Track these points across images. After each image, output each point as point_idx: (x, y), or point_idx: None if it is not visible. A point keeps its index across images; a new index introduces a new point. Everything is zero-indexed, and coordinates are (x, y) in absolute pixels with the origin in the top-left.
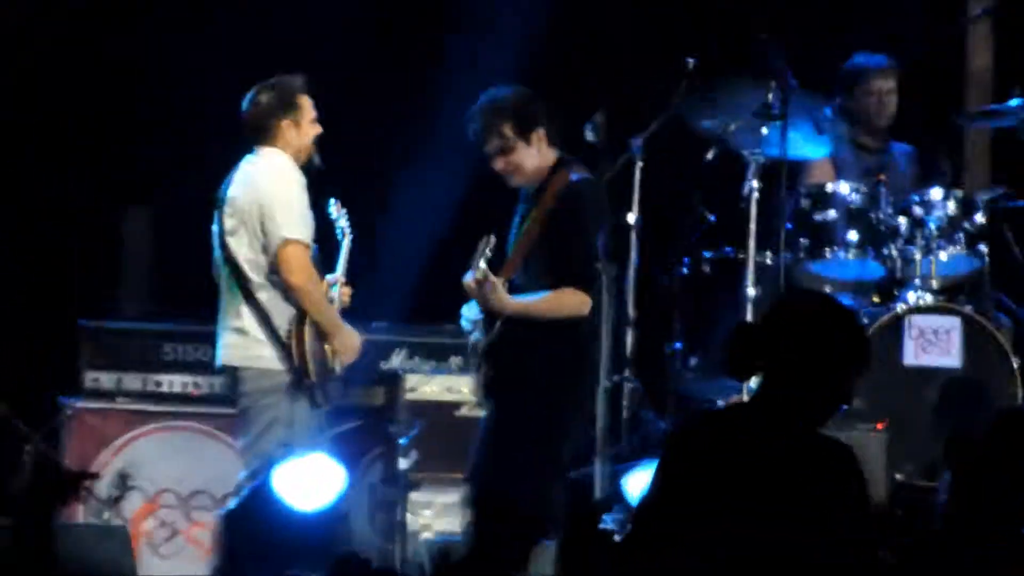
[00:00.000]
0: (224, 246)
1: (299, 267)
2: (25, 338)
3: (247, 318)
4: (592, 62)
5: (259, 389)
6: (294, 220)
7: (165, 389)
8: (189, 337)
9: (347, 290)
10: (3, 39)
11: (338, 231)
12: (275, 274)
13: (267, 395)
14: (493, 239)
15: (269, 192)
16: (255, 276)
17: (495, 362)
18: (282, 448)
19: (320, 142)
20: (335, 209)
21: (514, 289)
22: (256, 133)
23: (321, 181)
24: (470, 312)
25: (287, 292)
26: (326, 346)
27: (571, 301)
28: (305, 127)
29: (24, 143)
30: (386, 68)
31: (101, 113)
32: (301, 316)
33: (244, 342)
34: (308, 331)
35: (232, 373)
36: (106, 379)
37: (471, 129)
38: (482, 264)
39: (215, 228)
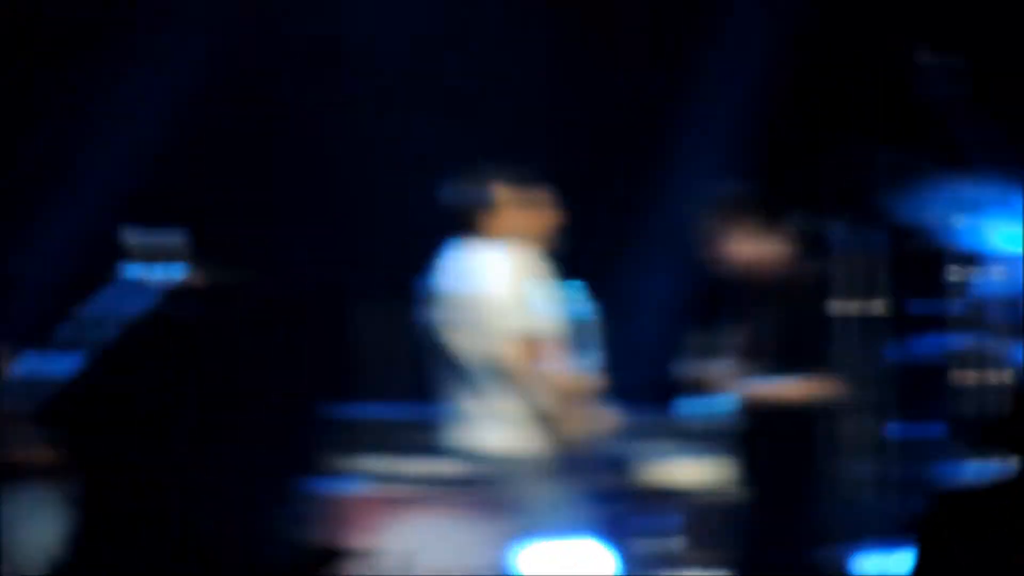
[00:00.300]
0: (444, 339)
1: (532, 352)
2: (278, 423)
3: (497, 402)
4: (797, 162)
5: (511, 475)
6: (517, 310)
7: (432, 472)
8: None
9: (599, 378)
10: None
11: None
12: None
13: (523, 478)
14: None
15: (488, 286)
16: (482, 362)
17: (750, 442)
18: (540, 531)
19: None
20: (575, 293)
21: None
22: (482, 215)
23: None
24: (698, 405)
25: (535, 377)
26: (576, 425)
27: (815, 387)
28: (537, 223)
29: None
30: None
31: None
32: (549, 398)
33: (483, 428)
34: (559, 411)
35: (486, 460)
36: (371, 464)
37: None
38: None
39: (432, 323)
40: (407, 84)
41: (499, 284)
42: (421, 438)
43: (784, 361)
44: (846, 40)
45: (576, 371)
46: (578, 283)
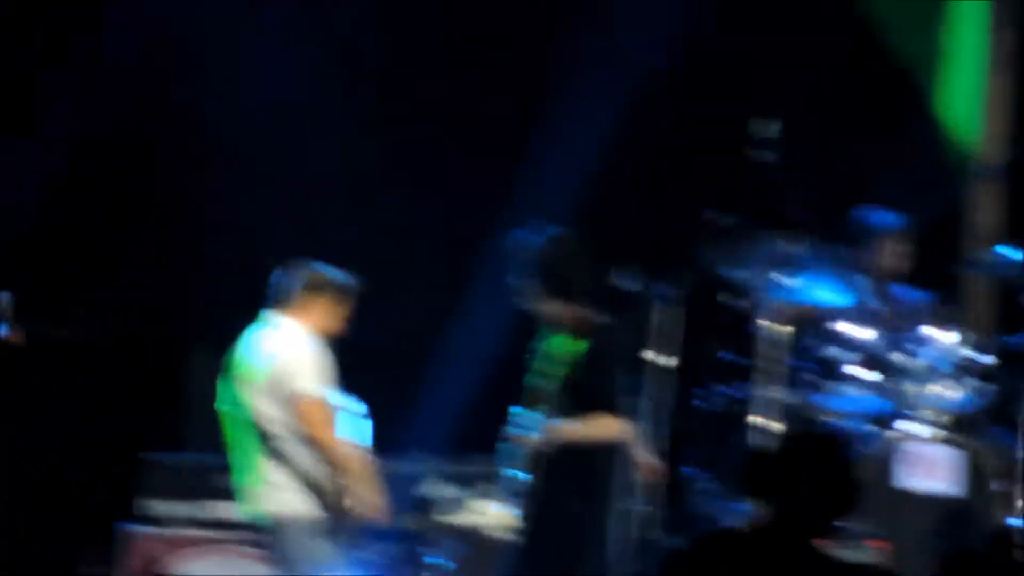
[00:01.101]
0: (249, 408)
1: (319, 418)
2: (90, 468)
3: (273, 468)
4: (625, 214)
5: (298, 534)
6: (314, 378)
7: (212, 516)
8: None
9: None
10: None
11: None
12: (299, 428)
13: (305, 539)
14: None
15: (294, 356)
16: (281, 431)
17: (534, 495)
18: None
19: None
20: (348, 403)
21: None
22: (284, 303)
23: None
24: (524, 421)
25: (311, 443)
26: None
27: (609, 428)
28: (338, 318)
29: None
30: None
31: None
32: (323, 463)
33: (277, 493)
34: (334, 479)
35: (269, 521)
36: (160, 506)
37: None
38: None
39: (225, 390)
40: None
41: (302, 352)
42: (226, 484)
43: (575, 404)
44: (681, 104)
45: (355, 447)
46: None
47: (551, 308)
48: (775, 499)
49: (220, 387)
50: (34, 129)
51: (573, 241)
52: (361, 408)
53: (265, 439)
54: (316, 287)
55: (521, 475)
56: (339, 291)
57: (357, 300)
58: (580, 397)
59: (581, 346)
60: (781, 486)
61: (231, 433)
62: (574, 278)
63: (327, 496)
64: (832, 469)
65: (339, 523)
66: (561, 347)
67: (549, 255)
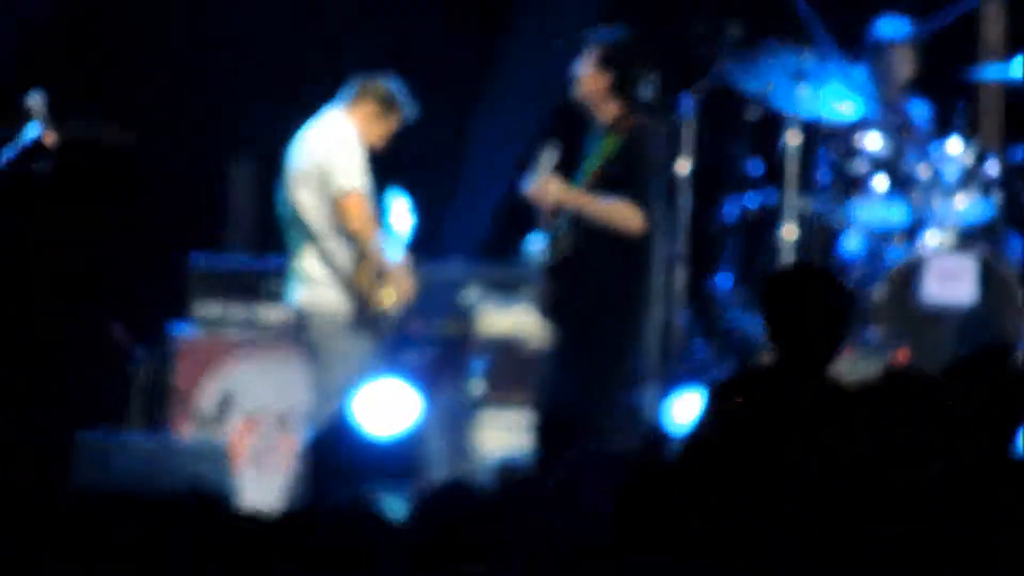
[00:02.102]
0: (292, 198)
1: (359, 213)
2: (141, 272)
3: (314, 264)
4: (644, 26)
5: (326, 328)
6: (355, 172)
7: (266, 318)
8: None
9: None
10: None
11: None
12: (337, 223)
13: (332, 334)
14: (556, 151)
15: (332, 150)
16: (319, 226)
17: (559, 283)
18: (351, 380)
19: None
20: (398, 200)
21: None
22: (352, 100)
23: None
24: (535, 240)
25: (348, 238)
26: (383, 287)
27: (627, 213)
28: (386, 125)
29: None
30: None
31: (214, 75)
32: (360, 259)
33: (312, 287)
34: (368, 272)
35: (303, 315)
36: (214, 310)
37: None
38: (542, 171)
39: (283, 181)
40: None
41: (344, 146)
42: (266, 287)
43: (607, 186)
44: None
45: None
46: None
47: (604, 102)
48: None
49: (276, 186)
50: None
51: (639, 44)
52: (406, 201)
53: (306, 232)
54: (370, 91)
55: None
56: (389, 102)
57: (404, 122)
58: (608, 188)
59: (616, 142)
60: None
61: (284, 232)
62: (634, 78)
63: (360, 291)
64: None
65: (374, 321)
66: (599, 145)
67: (619, 52)
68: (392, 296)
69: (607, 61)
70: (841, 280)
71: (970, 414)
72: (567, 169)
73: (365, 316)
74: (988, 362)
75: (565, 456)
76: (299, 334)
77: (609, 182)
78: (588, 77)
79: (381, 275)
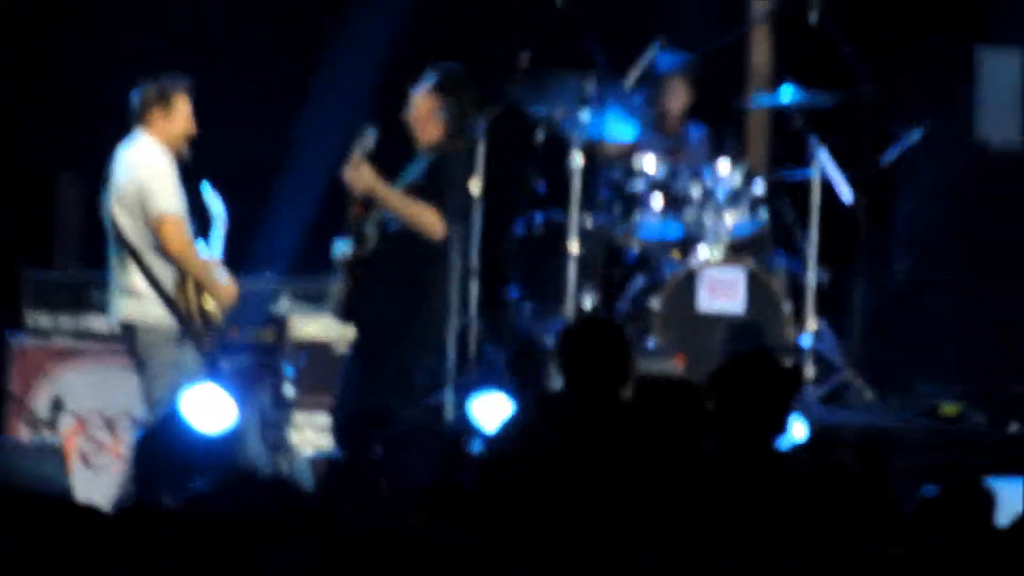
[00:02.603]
0: (112, 220)
1: (175, 236)
2: None
3: (136, 280)
4: (442, 55)
5: (150, 340)
6: (168, 197)
7: (93, 328)
8: None
9: (226, 277)
10: None
11: (212, 215)
12: (156, 243)
13: (157, 346)
14: (371, 133)
15: (145, 173)
16: (140, 245)
17: (359, 284)
18: (175, 387)
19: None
20: (209, 194)
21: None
22: (139, 119)
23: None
24: (341, 245)
25: (167, 257)
26: (204, 299)
27: (432, 217)
28: (178, 122)
29: None
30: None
31: (41, 89)
32: (182, 276)
33: (135, 301)
34: (190, 288)
35: (129, 328)
36: (44, 320)
37: None
38: (359, 152)
39: (104, 203)
40: None
41: (155, 169)
42: (94, 298)
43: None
44: None
45: (203, 254)
46: (207, 183)
47: (429, 125)
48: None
49: (100, 202)
50: None
51: (472, 80)
52: (218, 204)
53: (128, 250)
54: (154, 98)
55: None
56: (162, 96)
57: (193, 95)
58: (421, 195)
59: (432, 158)
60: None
61: (108, 246)
62: (466, 109)
63: (183, 305)
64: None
65: (195, 331)
66: (420, 158)
67: (456, 83)
68: (213, 307)
69: (443, 89)
70: (620, 330)
71: (737, 410)
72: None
73: (188, 327)
74: (755, 363)
75: (390, 435)
76: (126, 345)
77: (422, 191)
78: (422, 99)
79: (201, 289)
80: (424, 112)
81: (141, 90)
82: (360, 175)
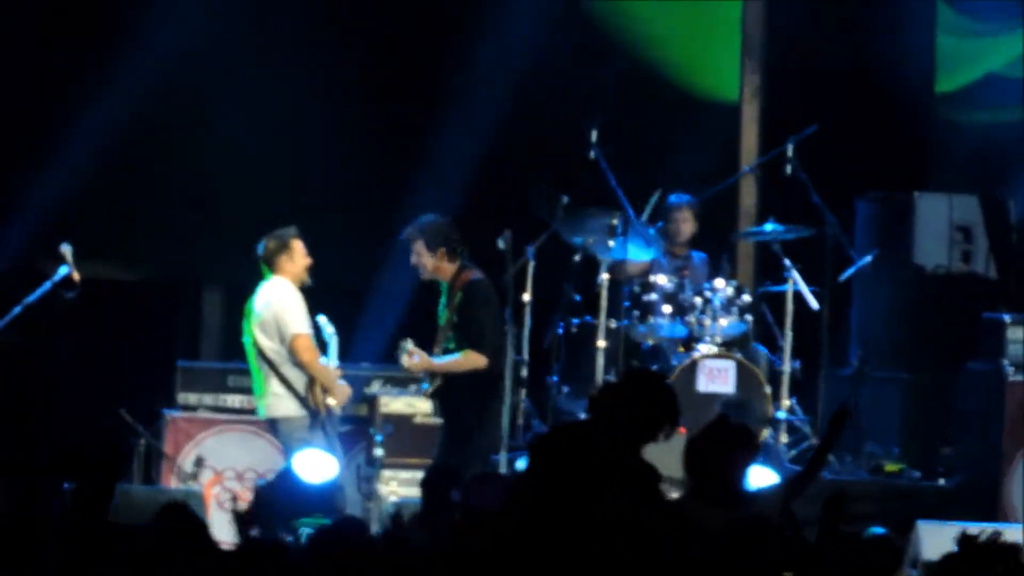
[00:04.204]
0: (254, 341)
1: (306, 350)
2: (141, 370)
3: (276, 386)
4: (502, 196)
5: (290, 429)
6: (298, 321)
7: (228, 404)
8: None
9: (341, 379)
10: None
11: (326, 336)
12: (291, 356)
13: (295, 431)
14: (409, 342)
15: (279, 305)
16: (277, 359)
17: (441, 399)
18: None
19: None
20: (323, 322)
21: (447, 352)
22: (268, 265)
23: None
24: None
25: (300, 366)
26: (328, 397)
27: (470, 360)
28: (298, 261)
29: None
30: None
31: (191, 212)
32: (311, 380)
33: (277, 400)
34: (317, 390)
35: (273, 421)
36: (192, 398)
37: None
38: (408, 346)
39: (245, 329)
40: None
41: (287, 300)
42: (230, 382)
43: (457, 339)
44: (536, 112)
45: (326, 364)
46: (322, 316)
47: (441, 270)
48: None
49: (243, 325)
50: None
51: (447, 222)
52: (331, 328)
53: (268, 364)
54: (275, 249)
55: (425, 385)
56: (284, 243)
57: (303, 241)
58: (458, 334)
59: (458, 296)
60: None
61: (248, 359)
62: (455, 244)
63: (312, 403)
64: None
65: (321, 421)
66: (449, 298)
67: (437, 231)
68: (334, 402)
69: (431, 242)
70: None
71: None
72: (431, 319)
73: (316, 419)
74: (736, 431)
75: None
76: (271, 433)
77: (456, 327)
78: (425, 261)
79: (326, 389)
80: (430, 264)
81: (264, 243)
82: (415, 363)
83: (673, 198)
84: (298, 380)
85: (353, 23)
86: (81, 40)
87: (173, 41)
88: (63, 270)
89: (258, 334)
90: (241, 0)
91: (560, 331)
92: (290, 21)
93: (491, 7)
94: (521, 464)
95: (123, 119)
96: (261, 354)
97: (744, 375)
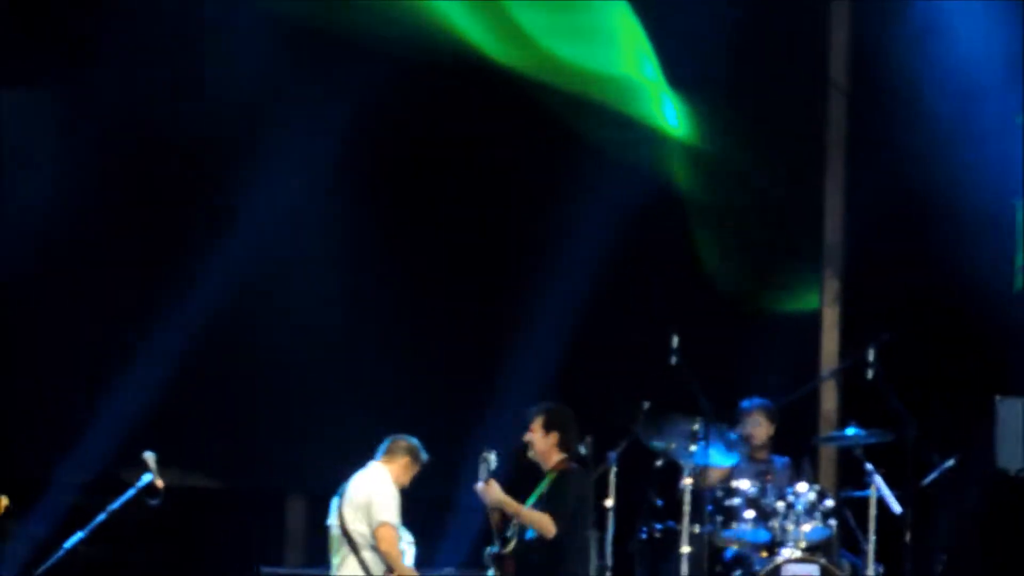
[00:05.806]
0: (341, 518)
1: (389, 540)
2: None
3: (354, 568)
4: (583, 402)
5: None
6: (390, 511)
7: None
8: None
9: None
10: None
11: (404, 543)
12: (373, 541)
13: None
14: (493, 455)
15: (376, 489)
16: (360, 541)
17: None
18: None
19: None
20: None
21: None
22: (384, 454)
23: None
24: (491, 548)
25: (379, 554)
26: None
27: (545, 521)
28: (410, 473)
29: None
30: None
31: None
32: (388, 569)
33: None
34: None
35: None
36: None
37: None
38: (492, 461)
39: (332, 510)
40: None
41: (385, 489)
42: None
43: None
44: (617, 322)
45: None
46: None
47: (551, 455)
48: None
49: (332, 506)
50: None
51: (569, 410)
52: (410, 537)
53: (350, 544)
54: (399, 448)
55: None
56: (415, 456)
57: (422, 467)
58: (543, 505)
59: (553, 476)
60: None
61: (329, 544)
62: (573, 435)
63: None
64: None
65: None
66: (546, 478)
67: (558, 417)
68: None
69: (550, 425)
70: None
71: None
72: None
73: None
74: None
75: None
76: None
77: (543, 499)
78: (537, 438)
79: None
80: (540, 445)
81: (398, 440)
82: (489, 490)
83: (745, 403)
84: (376, 567)
85: (435, 225)
86: (156, 248)
87: (247, 243)
88: (147, 477)
89: (347, 513)
90: (315, 202)
91: (643, 536)
92: (370, 215)
93: (570, 203)
94: None
95: (203, 326)
96: (345, 534)
97: None
